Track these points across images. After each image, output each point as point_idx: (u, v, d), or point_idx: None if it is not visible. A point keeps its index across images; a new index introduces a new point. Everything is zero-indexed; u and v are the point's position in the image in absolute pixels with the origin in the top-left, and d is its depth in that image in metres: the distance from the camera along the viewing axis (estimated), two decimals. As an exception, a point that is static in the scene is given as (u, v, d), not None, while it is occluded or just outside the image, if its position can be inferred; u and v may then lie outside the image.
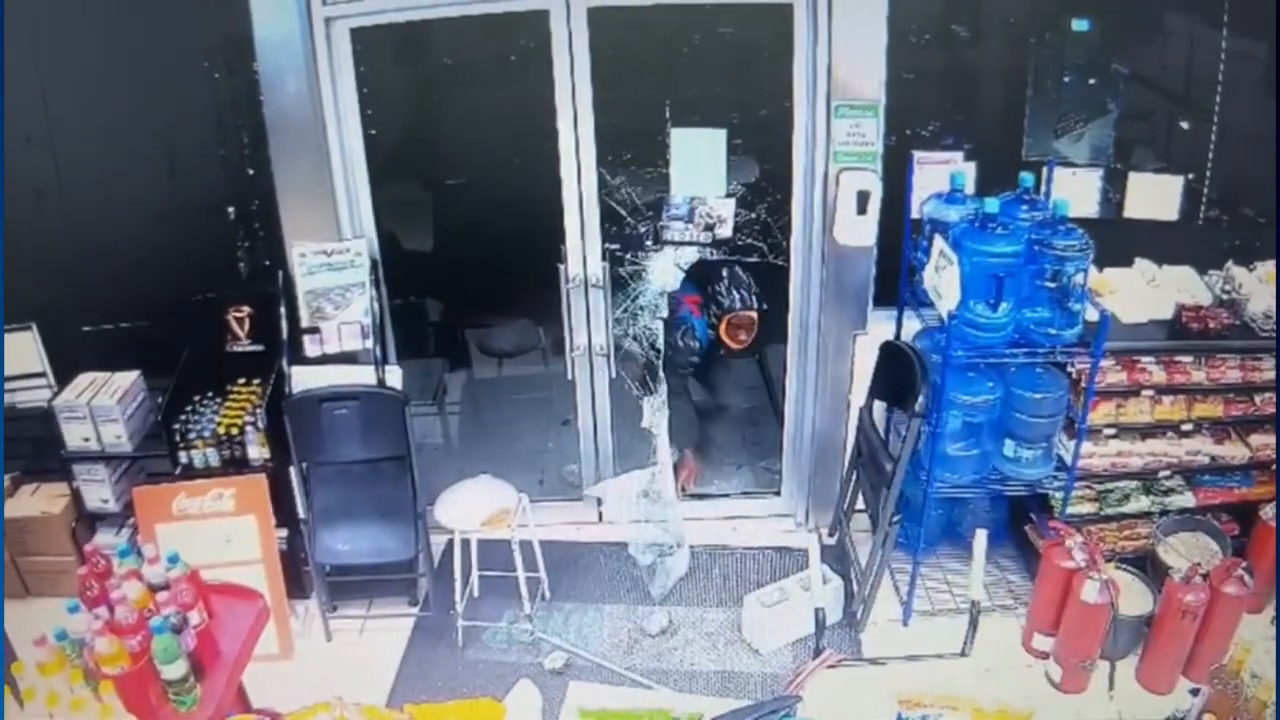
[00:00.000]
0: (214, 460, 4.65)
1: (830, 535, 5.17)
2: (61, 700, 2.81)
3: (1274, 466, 4.65)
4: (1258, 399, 4.57)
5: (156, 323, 4.94)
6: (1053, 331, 4.18)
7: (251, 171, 4.71)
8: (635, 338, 4.95)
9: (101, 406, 4.67)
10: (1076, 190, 4.64)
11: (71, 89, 4.60)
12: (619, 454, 5.41)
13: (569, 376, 5.15)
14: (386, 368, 4.70)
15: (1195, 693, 3.50)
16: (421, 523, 4.69)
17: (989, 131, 4.76)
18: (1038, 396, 4.31)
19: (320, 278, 4.63)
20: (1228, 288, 4.66)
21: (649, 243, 4.90)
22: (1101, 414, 4.49)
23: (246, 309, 4.77)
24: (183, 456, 4.65)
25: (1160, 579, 4.39)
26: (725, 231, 4.86)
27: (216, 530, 4.55)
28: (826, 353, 4.95)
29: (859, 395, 4.88)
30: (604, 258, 4.89)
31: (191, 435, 4.63)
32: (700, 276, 5.25)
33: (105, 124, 4.64)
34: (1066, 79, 4.66)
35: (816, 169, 4.63)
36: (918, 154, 4.62)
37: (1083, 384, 4.34)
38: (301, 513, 4.68)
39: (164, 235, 4.79)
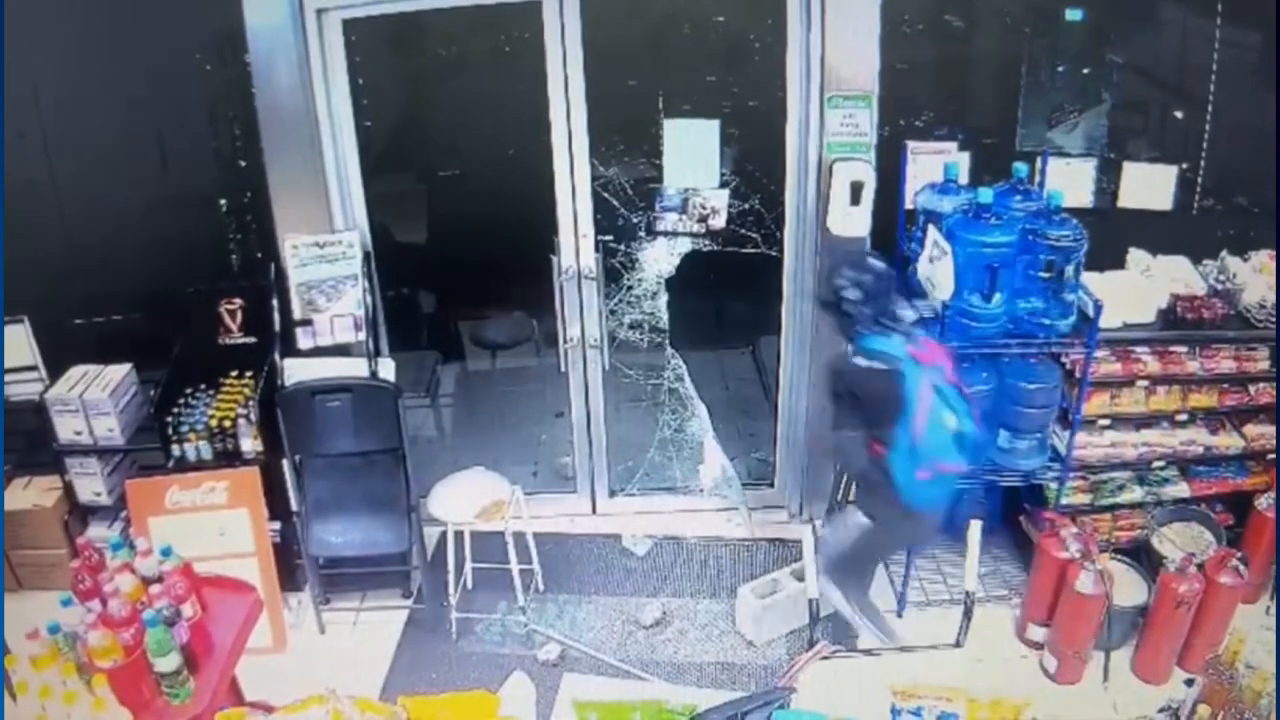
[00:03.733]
0: (206, 453, 4.64)
1: (824, 527, 5.16)
2: (54, 693, 2.80)
3: (1267, 456, 4.66)
4: (1252, 389, 4.58)
5: (149, 316, 4.95)
6: (1047, 322, 4.18)
7: (243, 164, 4.70)
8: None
9: (94, 400, 4.66)
10: (1071, 180, 4.63)
11: (63, 82, 4.58)
12: (612, 446, 5.41)
13: (562, 369, 5.15)
14: (379, 360, 4.71)
15: (1190, 683, 3.49)
16: (415, 515, 4.69)
17: (983, 122, 4.77)
18: (1032, 387, 4.31)
19: (313, 270, 4.62)
20: (1222, 277, 4.65)
21: (642, 234, 4.90)
22: (1096, 404, 4.49)
23: (239, 301, 4.76)
24: (175, 449, 4.64)
25: (1155, 569, 4.40)
26: (719, 222, 4.86)
27: (209, 523, 4.55)
28: (820, 343, 4.94)
29: (853, 387, 4.87)
30: (597, 249, 4.89)
31: (184, 428, 4.62)
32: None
33: (97, 117, 4.63)
34: (1060, 69, 4.66)
35: (810, 159, 4.63)
36: (911, 144, 4.61)
37: (1077, 374, 4.35)
38: (294, 505, 4.67)
39: (156, 228, 4.78)
